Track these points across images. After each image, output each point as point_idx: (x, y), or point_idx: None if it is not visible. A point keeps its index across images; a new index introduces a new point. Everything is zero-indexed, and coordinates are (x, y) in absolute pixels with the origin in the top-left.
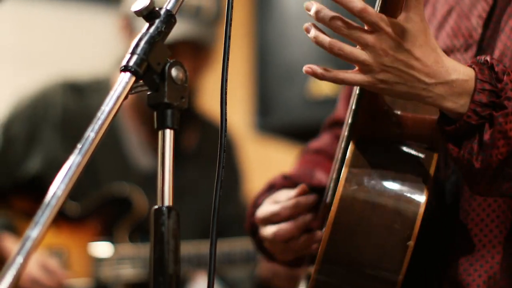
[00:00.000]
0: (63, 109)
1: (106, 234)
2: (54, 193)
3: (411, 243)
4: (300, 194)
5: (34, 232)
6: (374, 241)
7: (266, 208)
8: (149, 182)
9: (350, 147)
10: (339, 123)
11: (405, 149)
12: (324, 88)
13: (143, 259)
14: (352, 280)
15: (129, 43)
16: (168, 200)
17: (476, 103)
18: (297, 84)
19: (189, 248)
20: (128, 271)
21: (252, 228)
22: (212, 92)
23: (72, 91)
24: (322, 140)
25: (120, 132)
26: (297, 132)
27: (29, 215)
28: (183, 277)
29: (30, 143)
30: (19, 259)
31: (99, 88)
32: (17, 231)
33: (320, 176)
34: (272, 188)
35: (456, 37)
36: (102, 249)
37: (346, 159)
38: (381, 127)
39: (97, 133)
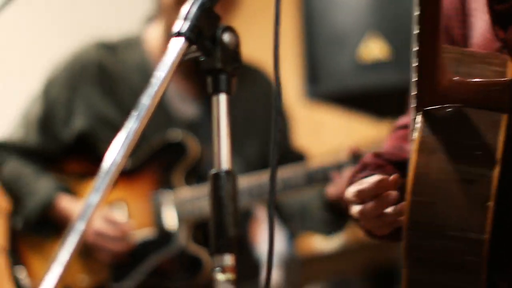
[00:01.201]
0: (98, 66)
1: (163, 182)
2: (113, 160)
3: (491, 203)
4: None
5: (94, 198)
6: (454, 205)
7: (351, 188)
8: (192, 130)
9: (418, 118)
10: None
11: (472, 115)
12: (375, 52)
13: (202, 199)
14: (440, 245)
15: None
16: (225, 164)
17: None
18: (347, 49)
19: (250, 180)
20: (189, 213)
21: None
22: (262, 58)
23: (105, 49)
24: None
25: None
26: (348, 98)
27: (81, 175)
28: (246, 209)
29: (71, 103)
30: (81, 226)
31: (131, 44)
32: (72, 193)
33: (409, 150)
34: (365, 167)
35: None
36: (160, 196)
37: (416, 130)
38: (446, 96)
39: (152, 99)
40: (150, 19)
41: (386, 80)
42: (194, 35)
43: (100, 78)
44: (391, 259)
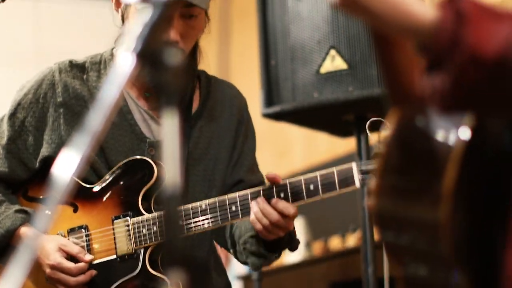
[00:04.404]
0: (64, 87)
1: (128, 207)
2: (61, 183)
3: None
4: None
5: (40, 222)
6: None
7: None
8: (159, 150)
9: (389, 122)
10: None
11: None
12: (334, 66)
13: (159, 223)
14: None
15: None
16: (174, 185)
17: None
18: (308, 66)
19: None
20: (147, 238)
21: None
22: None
23: (73, 68)
24: None
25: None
26: (310, 115)
27: (45, 199)
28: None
29: (38, 128)
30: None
31: (101, 62)
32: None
33: None
34: None
35: None
36: (121, 221)
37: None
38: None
39: (105, 116)
40: (119, 41)
41: (346, 93)
42: (140, 52)
43: (66, 100)
44: (357, 272)
